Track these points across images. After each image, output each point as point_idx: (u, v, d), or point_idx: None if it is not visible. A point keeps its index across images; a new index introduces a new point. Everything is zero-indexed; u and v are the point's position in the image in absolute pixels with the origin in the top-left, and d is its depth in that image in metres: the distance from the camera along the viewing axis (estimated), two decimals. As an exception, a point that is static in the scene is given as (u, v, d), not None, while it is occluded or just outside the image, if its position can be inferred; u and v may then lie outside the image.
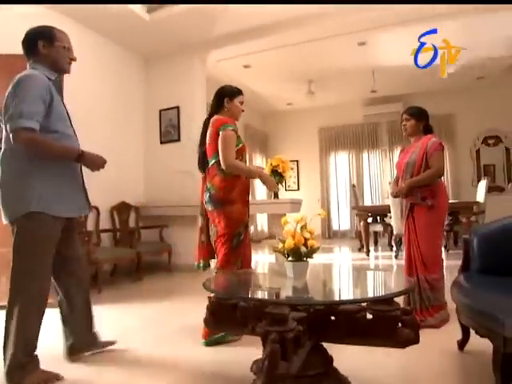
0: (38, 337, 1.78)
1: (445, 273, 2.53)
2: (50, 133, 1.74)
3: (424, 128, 2.60)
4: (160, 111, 5.20)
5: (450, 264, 4.96)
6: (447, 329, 2.29)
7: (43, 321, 1.82)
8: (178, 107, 5.12)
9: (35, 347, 1.77)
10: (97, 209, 4.44)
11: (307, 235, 1.56)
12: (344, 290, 1.57)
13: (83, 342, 2.04)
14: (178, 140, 5.10)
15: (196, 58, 5.14)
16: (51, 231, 1.78)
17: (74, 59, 1.90)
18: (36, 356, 1.77)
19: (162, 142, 5.21)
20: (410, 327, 1.42)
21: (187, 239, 4.94)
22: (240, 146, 2.30)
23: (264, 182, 2.38)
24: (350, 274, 2.01)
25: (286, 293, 1.52)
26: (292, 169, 9.41)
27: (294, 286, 1.54)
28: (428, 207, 2.43)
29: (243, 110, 2.43)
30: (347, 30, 4.72)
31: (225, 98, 2.34)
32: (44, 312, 1.81)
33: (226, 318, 1.62)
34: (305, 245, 1.54)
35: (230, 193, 2.23)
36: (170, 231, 4.95)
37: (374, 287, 1.56)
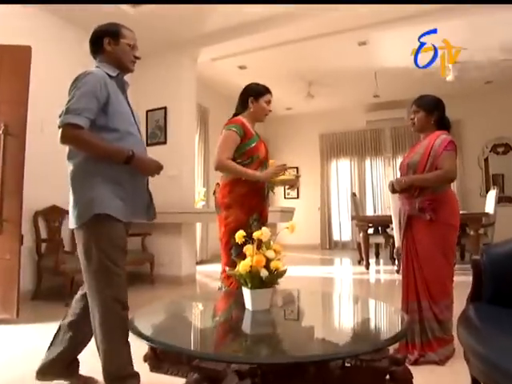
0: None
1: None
2: (110, 132, 1.61)
3: (437, 122, 2.14)
4: (147, 112, 4.89)
5: (456, 281, 4.55)
6: (452, 366, 1.90)
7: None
8: (165, 108, 4.81)
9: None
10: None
11: (271, 254, 1.21)
12: (315, 331, 1.18)
13: (66, 367, 1.75)
14: (165, 142, 4.78)
15: (185, 56, 4.84)
16: (119, 234, 1.62)
17: (138, 58, 1.80)
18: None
19: (147, 144, 4.88)
20: (401, 381, 1.07)
21: (172, 248, 4.62)
22: (252, 145, 2.12)
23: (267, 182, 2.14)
24: (328, 304, 1.62)
25: (235, 333, 1.16)
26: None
27: (250, 323, 1.18)
28: (428, 222, 2.01)
29: (270, 111, 2.25)
30: (346, 26, 4.40)
31: (249, 97, 2.21)
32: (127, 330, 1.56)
33: (170, 357, 1.28)
34: (267, 267, 1.19)
35: (227, 197, 2.10)
36: (153, 239, 4.61)
37: (357, 328, 1.16)
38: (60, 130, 1.54)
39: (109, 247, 1.58)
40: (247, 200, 2.08)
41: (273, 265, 1.20)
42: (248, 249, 1.22)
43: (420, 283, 2.03)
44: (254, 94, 2.21)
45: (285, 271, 1.21)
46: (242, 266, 1.17)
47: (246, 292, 1.21)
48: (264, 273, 1.17)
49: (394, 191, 2.16)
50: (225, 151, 2.08)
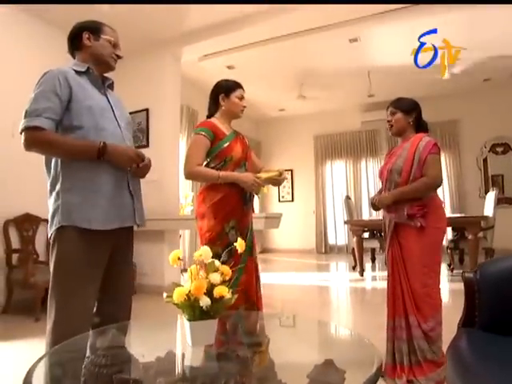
0: None
1: (447, 302, 1.91)
2: (75, 130, 1.45)
3: (415, 125, 2.01)
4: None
5: (454, 288, 4.34)
6: (445, 394, 1.68)
7: None
8: (147, 109, 4.60)
9: None
10: (48, 221, 3.90)
11: (215, 278, 0.99)
12: (266, 376, 0.95)
13: None
14: (147, 146, 4.57)
15: (168, 55, 4.64)
16: (87, 251, 1.43)
17: (120, 56, 1.67)
18: None
19: (129, 148, 4.68)
20: None
21: (154, 257, 4.40)
22: (224, 146, 1.94)
23: (243, 185, 1.93)
24: (299, 339, 1.35)
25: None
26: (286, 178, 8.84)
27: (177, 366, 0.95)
28: (418, 229, 1.84)
29: (245, 106, 2.08)
30: (335, 20, 4.19)
31: (220, 94, 2.06)
32: None
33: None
34: (209, 294, 0.97)
35: (201, 206, 1.98)
36: (135, 247, 4.37)
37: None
38: (21, 135, 1.40)
39: (72, 267, 1.41)
40: (220, 207, 1.91)
41: (217, 291, 0.98)
42: (188, 271, 1.01)
43: (407, 296, 1.86)
44: (224, 90, 2.06)
45: (230, 299, 0.99)
46: (177, 294, 0.95)
47: (186, 324, 1.00)
48: (205, 301, 0.96)
49: (375, 208, 2.01)
50: (193, 157, 1.94)
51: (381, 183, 2.11)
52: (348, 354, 1.05)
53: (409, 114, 1.99)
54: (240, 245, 1.09)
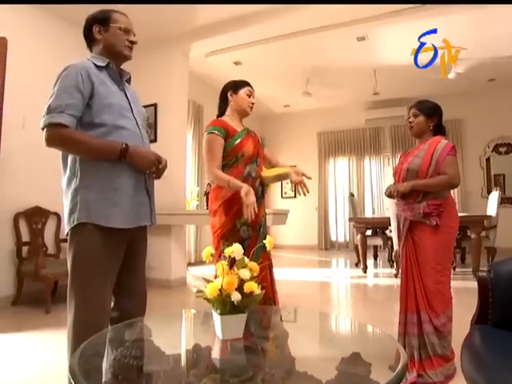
0: None
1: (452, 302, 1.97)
2: (96, 127, 1.44)
3: (435, 128, 2.07)
4: (137, 109, 4.70)
5: (457, 287, 4.39)
6: (454, 389, 1.74)
7: None
8: (155, 104, 4.63)
9: None
10: (57, 214, 3.95)
11: (245, 275, 1.03)
12: (295, 367, 1.00)
13: None
14: (155, 141, 4.60)
15: (176, 51, 4.65)
16: (105, 247, 1.43)
17: (134, 42, 1.60)
18: None
19: (137, 143, 4.71)
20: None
21: (161, 251, 4.44)
22: (235, 143, 1.95)
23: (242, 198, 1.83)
24: (318, 332, 1.42)
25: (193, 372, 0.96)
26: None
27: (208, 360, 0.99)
28: (432, 228, 1.89)
29: (253, 103, 2.08)
30: (343, 19, 4.21)
31: (228, 91, 2.08)
32: None
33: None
34: (240, 290, 1.01)
35: (213, 203, 2.00)
36: (142, 242, 4.43)
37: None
38: (43, 131, 1.38)
39: (90, 263, 1.42)
40: (232, 204, 1.92)
41: (247, 287, 1.02)
42: (219, 267, 1.05)
43: (419, 294, 1.91)
44: (232, 88, 2.08)
45: (259, 295, 1.03)
46: (210, 289, 1.00)
47: (216, 318, 1.04)
48: (236, 296, 1.00)
49: (390, 196, 2.04)
50: (213, 160, 1.93)
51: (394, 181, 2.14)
52: (369, 348, 1.09)
53: (430, 118, 2.04)
54: (269, 242, 1.13)
